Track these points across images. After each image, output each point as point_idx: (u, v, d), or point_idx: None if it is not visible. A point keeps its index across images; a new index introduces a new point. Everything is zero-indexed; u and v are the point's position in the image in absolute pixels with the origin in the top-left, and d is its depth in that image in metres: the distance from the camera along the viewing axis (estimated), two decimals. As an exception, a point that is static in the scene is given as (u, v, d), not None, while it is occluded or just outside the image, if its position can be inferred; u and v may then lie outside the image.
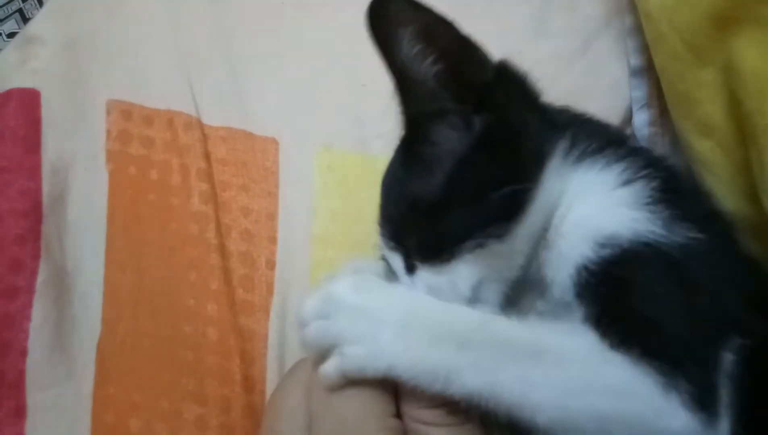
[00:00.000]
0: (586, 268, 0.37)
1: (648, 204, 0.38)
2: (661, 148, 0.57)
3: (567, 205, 0.40)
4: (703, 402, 0.32)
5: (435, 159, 0.41)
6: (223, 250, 0.55)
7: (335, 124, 0.60)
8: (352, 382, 0.35)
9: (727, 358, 0.33)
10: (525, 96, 0.43)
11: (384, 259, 0.44)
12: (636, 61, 0.59)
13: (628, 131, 0.60)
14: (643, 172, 0.40)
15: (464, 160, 0.40)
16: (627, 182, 0.39)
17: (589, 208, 0.40)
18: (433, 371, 0.33)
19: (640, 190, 0.39)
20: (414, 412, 0.35)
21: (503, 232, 0.38)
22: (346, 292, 0.36)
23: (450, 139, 0.41)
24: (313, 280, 0.55)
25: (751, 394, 0.33)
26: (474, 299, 0.39)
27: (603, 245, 0.36)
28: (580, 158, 0.41)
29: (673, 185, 0.40)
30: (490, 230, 0.38)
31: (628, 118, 0.59)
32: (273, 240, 0.56)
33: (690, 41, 0.47)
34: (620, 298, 0.35)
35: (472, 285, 0.39)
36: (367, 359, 0.34)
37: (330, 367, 0.35)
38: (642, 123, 0.58)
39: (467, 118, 0.40)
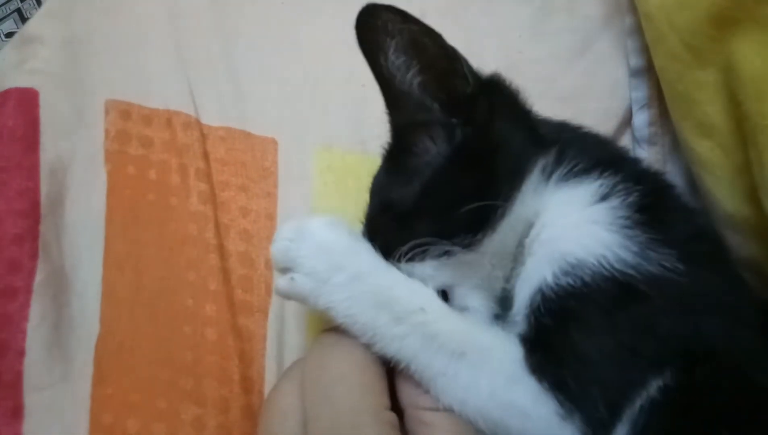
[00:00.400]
0: (542, 291, 0.38)
1: (624, 226, 0.38)
2: (660, 148, 0.57)
3: (541, 223, 0.41)
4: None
5: (415, 168, 0.43)
6: (221, 251, 0.54)
7: (334, 124, 0.59)
8: (344, 377, 0.37)
9: (656, 385, 0.34)
10: (512, 111, 0.44)
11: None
12: (636, 61, 0.59)
13: (627, 132, 0.60)
14: (621, 187, 0.40)
15: (440, 171, 0.42)
16: (603, 198, 0.40)
17: (561, 228, 0.40)
18: (363, 327, 0.37)
19: (616, 207, 0.39)
20: (414, 398, 0.37)
21: (470, 243, 0.40)
22: (319, 227, 0.40)
23: (430, 150, 0.43)
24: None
25: (664, 425, 0.34)
26: (461, 307, 0.41)
27: (566, 273, 0.37)
28: (565, 177, 0.42)
29: (658, 204, 0.40)
30: (456, 240, 0.40)
31: (628, 119, 0.59)
32: (272, 240, 0.56)
33: (690, 42, 0.47)
34: (558, 328, 0.37)
35: (436, 287, 0.40)
36: (312, 293, 0.38)
37: (281, 285, 0.40)
38: (642, 123, 0.58)
39: (451, 131, 0.42)
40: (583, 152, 0.43)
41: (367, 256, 0.40)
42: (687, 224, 0.42)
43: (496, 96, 0.43)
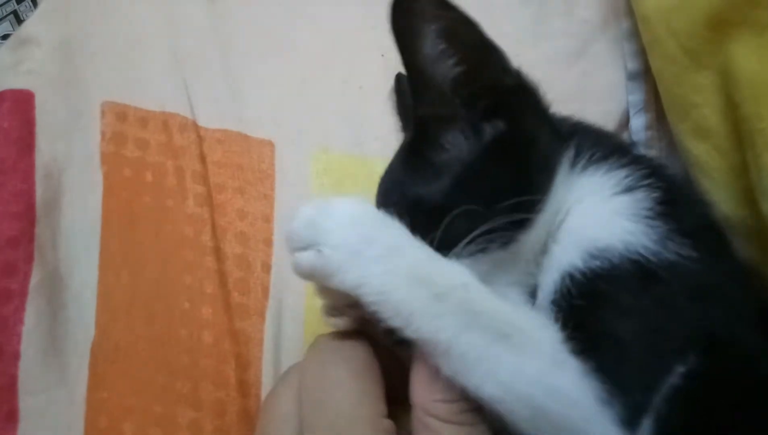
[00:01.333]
0: (571, 275, 0.37)
1: (647, 217, 0.38)
2: (657, 151, 0.57)
3: (566, 211, 0.40)
4: (632, 421, 0.33)
5: (443, 163, 0.40)
6: (218, 253, 0.54)
7: (331, 126, 0.59)
8: (341, 384, 0.35)
9: (677, 372, 0.33)
10: (538, 105, 0.43)
11: None
12: (633, 64, 0.59)
13: (624, 135, 0.60)
14: (646, 181, 0.40)
15: (473, 166, 0.40)
16: (628, 190, 0.39)
17: (586, 216, 0.40)
18: (398, 306, 0.33)
19: (640, 200, 0.39)
20: (429, 404, 0.34)
21: (507, 241, 0.38)
22: (346, 202, 0.36)
23: (460, 145, 0.41)
24: (309, 283, 0.55)
25: (685, 413, 0.33)
26: None
27: (594, 256, 0.37)
28: (585, 166, 0.41)
29: (673, 196, 0.40)
30: (493, 237, 0.37)
31: (625, 122, 0.59)
32: (269, 243, 0.56)
33: (687, 45, 0.47)
34: (593, 310, 0.36)
35: None
36: (341, 267, 0.34)
37: (304, 259, 0.35)
38: (639, 127, 0.58)
39: (476, 125, 0.40)
40: (597, 142, 0.43)
41: (401, 231, 0.36)
42: (699, 216, 0.42)
43: (527, 90, 0.42)
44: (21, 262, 0.50)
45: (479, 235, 0.37)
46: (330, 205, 0.36)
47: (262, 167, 0.58)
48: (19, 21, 0.80)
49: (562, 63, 0.62)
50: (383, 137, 0.57)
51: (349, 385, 0.35)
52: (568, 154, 0.41)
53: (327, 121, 0.60)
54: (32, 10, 0.78)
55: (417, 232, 0.38)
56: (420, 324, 0.33)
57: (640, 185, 0.39)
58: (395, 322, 0.33)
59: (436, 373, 0.34)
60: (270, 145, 0.58)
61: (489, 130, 0.40)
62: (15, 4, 0.80)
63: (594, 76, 0.61)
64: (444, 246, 0.38)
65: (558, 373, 0.34)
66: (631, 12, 0.57)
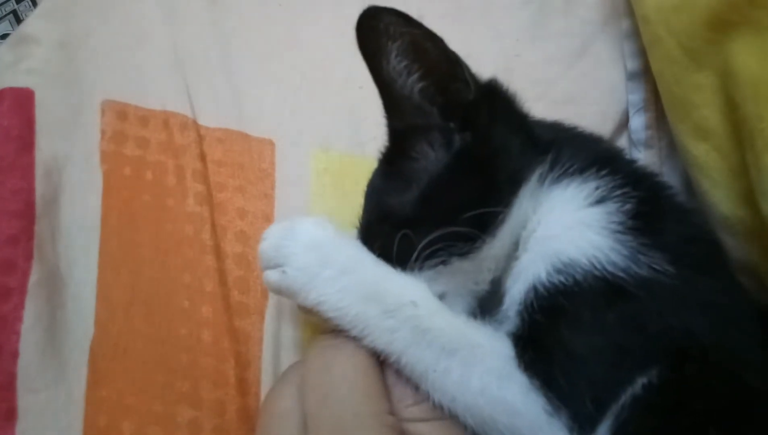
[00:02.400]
0: (535, 289, 0.38)
1: (617, 231, 0.38)
2: (657, 151, 0.57)
3: (536, 221, 0.41)
4: (583, 428, 0.34)
5: (413, 174, 0.42)
6: (218, 252, 0.54)
7: (332, 126, 0.59)
8: (346, 380, 0.36)
9: (640, 383, 0.34)
10: (510, 116, 0.44)
11: None
12: (633, 64, 0.59)
13: (624, 134, 0.60)
14: (619, 193, 0.40)
15: (439, 177, 0.41)
16: (598, 202, 0.40)
17: (555, 227, 0.40)
18: (353, 320, 0.37)
19: (611, 213, 0.39)
20: (404, 411, 0.37)
21: (468, 251, 0.40)
22: (309, 225, 0.41)
23: (428, 156, 0.43)
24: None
25: (644, 421, 0.34)
26: None
27: (558, 271, 0.38)
28: (559, 178, 0.42)
29: (651, 208, 0.40)
30: (454, 249, 0.40)
31: (625, 122, 0.60)
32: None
33: (687, 45, 0.47)
34: (549, 325, 0.37)
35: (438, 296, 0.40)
36: (303, 287, 0.39)
37: (271, 277, 0.40)
38: (638, 126, 0.58)
39: (449, 136, 0.42)
40: (578, 152, 0.43)
41: (356, 252, 0.40)
42: (681, 227, 0.42)
43: (495, 101, 0.43)
44: (20, 260, 0.50)
45: (438, 248, 0.39)
46: (294, 228, 0.40)
47: (263, 166, 0.58)
48: (19, 20, 0.80)
49: (563, 63, 0.62)
50: (383, 137, 0.57)
51: (354, 382, 0.36)
52: (542, 167, 0.42)
53: (327, 121, 0.60)
54: (31, 10, 0.78)
55: (382, 242, 0.41)
56: (373, 338, 0.37)
57: (612, 196, 0.40)
58: (353, 333, 0.37)
59: (402, 378, 0.37)
60: (270, 144, 0.58)
61: (458, 141, 0.42)
62: (14, 3, 0.81)
63: (594, 76, 0.61)
64: (400, 260, 0.40)
65: (504, 386, 0.36)
66: (631, 12, 0.57)
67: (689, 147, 0.49)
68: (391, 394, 0.37)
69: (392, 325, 0.37)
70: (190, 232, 0.54)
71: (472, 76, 0.42)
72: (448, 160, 0.42)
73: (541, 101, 0.60)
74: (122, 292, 0.53)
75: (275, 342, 0.52)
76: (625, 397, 0.34)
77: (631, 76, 0.59)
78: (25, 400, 0.48)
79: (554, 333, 0.37)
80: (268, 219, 0.56)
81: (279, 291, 0.40)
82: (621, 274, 0.37)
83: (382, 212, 0.44)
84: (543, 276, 0.38)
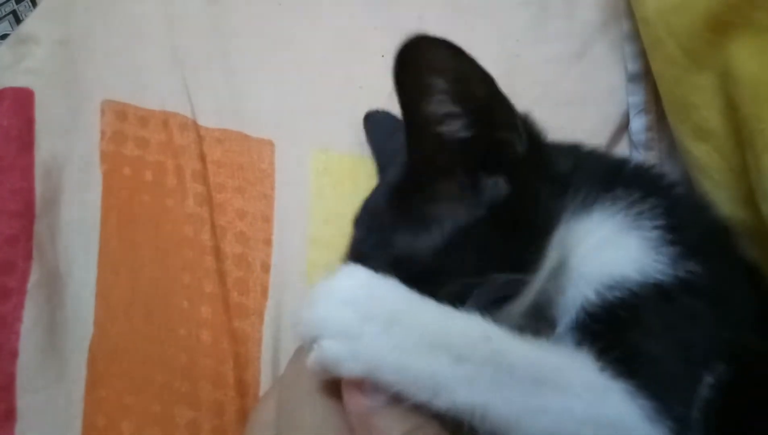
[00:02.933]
0: (585, 309, 0.35)
1: (655, 245, 0.37)
2: (658, 153, 0.57)
3: (577, 254, 0.38)
4: (681, 433, 0.32)
5: (434, 218, 0.37)
6: (217, 253, 0.54)
7: (331, 126, 0.59)
8: (311, 396, 0.34)
9: (707, 383, 0.33)
10: (541, 161, 0.39)
11: None
12: (633, 66, 0.59)
13: (624, 136, 0.60)
14: (646, 208, 0.38)
15: (469, 228, 0.37)
16: (632, 224, 0.38)
17: (597, 259, 0.38)
18: (420, 380, 0.30)
19: (646, 230, 0.38)
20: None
21: (501, 303, 0.35)
22: (335, 281, 0.33)
23: (456, 202, 0.38)
24: (308, 283, 0.55)
25: (724, 415, 0.33)
26: None
27: (610, 288, 0.35)
28: (584, 207, 0.39)
29: (675, 213, 0.39)
30: (484, 302, 0.34)
31: (625, 123, 0.60)
32: (268, 242, 0.56)
33: (687, 46, 0.47)
34: (622, 335, 0.35)
35: None
36: (348, 355, 0.31)
37: (310, 360, 0.32)
38: (639, 128, 0.58)
39: (475, 179, 0.38)
40: (594, 176, 0.41)
41: (400, 293, 0.33)
42: (700, 227, 0.41)
43: (539, 151, 0.39)
44: (20, 260, 0.50)
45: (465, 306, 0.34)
46: (320, 292, 0.33)
47: (262, 167, 0.58)
48: (18, 21, 0.80)
49: (563, 64, 0.62)
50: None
51: (318, 398, 0.34)
52: (572, 205, 0.38)
53: (327, 121, 0.59)
54: (31, 10, 0.78)
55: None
56: (449, 393, 0.30)
57: (642, 215, 0.38)
58: (421, 397, 0.30)
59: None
60: (270, 144, 0.58)
61: (489, 187, 0.37)
62: (14, 3, 0.81)
63: (594, 78, 0.61)
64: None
65: (605, 402, 0.32)
66: (631, 13, 0.57)
67: (690, 148, 0.49)
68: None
69: (470, 373, 0.31)
70: (190, 232, 0.54)
71: (525, 128, 0.38)
72: (480, 210, 0.37)
73: (542, 102, 0.59)
74: (122, 292, 0.53)
75: (274, 343, 0.52)
76: (697, 401, 0.32)
77: (632, 78, 0.59)
78: (24, 401, 0.48)
79: (625, 341, 0.34)
80: (268, 219, 0.56)
81: (324, 371, 0.32)
82: (665, 278, 0.35)
83: (395, 257, 0.38)
84: (592, 296, 0.35)
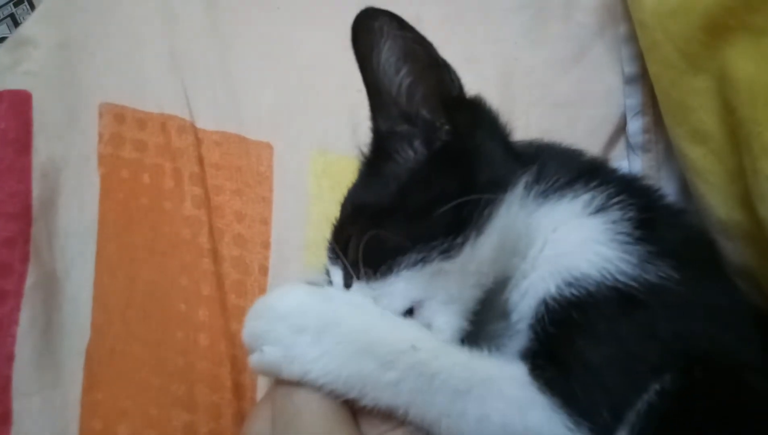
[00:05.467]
0: (546, 303, 0.37)
1: (624, 242, 0.38)
2: (654, 155, 0.57)
3: (543, 240, 0.40)
4: None
5: (393, 174, 0.42)
6: (215, 255, 0.54)
7: (330, 128, 0.59)
8: (308, 406, 0.35)
9: (653, 390, 0.34)
10: (493, 127, 0.44)
11: (327, 272, 0.44)
12: (630, 68, 0.59)
13: (621, 139, 0.60)
14: (616, 202, 0.40)
15: (418, 172, 0.41)
16: (599, 212, 0.40)
17: (563, 245, 0.40)
18: (348, 383, 0.34)
19: (615, 222, 0.39)
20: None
21: (449, 249, 0.37)
22: (275, 297, 0.37)
23: (409, 157, 0.42)
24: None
25: (660, 427, 0.34)
26: (425, 325, 0.38)
27: (570, 284, 0.37)
28: (547, 192, 0.41)
29: (649, 214, 0.40)
30: (433, 245, 0.37)
31: (622, 126, 0.60)
32: (266, 245, 0.56)
33: (684, 49, 0.47)
34: (565, 338, 0.36)
35: (408, 304, 0.38)
36: (283, 362, 0.35)
37: (253, 361, 0.36)
38: (636, 130, 0.58)
39: (432, 137, 0.42)
40: (563, 166, 0.43)
41: (333, 306, 0.37)
42: (678, 231, 0.42)
43: (479, 109, 0.44)
44: (17, 263, 0.50)
45: (418, 246, 0.37)
46: (264, 305, 0.37)
47: (261, 169, 0.58)
48: (16, 24, 0.80)
49: (560, 67, 0.62)
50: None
51: (314, 408, 0.35)
52: (526, 178, 0.41)
53: (325, 123, 0.60)
54: (29, 13, 0.78)
55: (355, 240, 0.39)
56: (374, 395, 0.34)
57: (610, 206, 0.40)
58: (351, 395, 0.34)
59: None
60: (268, 147, 0.58)
61: (439, 141, 0.42)
62: (12, 7, 0.81)
63: (591, 80, 0.61)
64: (373, 260, 0.38)
65: (527, 415, 0.34)
66: (628, 16, 0.57)
67: (686, 150, 0.49)
68: (362, 419, 0.35)
69: (394, 378, 0.34)
70: (188, 235, 0.54)
71: (458, 80, 0.43)
72: (428, 156, 0.42)
73: (539, 105, 0.60)
74: (119, 295, 0.53)
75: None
76: (640, 405, 0.34)
77: (629, 80, 0.59)
78: (20, 404, 0.48)
79: (569, 345, 0.36)
80: (266, 222, 0.56)
81: (263, 372, 0.37)
82: (632, 282, 0.36)
83: (356, 208, 0.43)
84: (553, 290, 0.37)
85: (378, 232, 0.39)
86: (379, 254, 0.38)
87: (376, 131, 0.44)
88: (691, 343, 0.36)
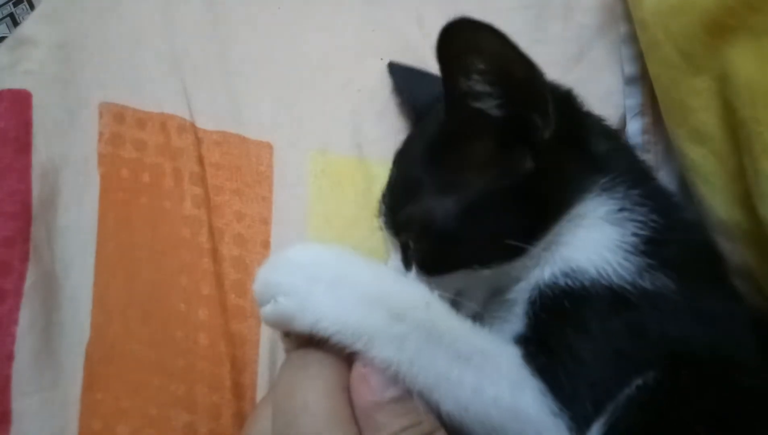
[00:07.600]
0: (539, 288, 0.38)
1: (627, 251, 0.39)
2: (654, 155, 0.57)
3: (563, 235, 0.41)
4: (581, 428, 0.34)
5: (461, 184, 0.41)
6: (215, 255, 0.54)
7: (330, 128, 0.59)
8: (308, 406, 0.35)
9: (635, 384, 0.35)
10: (574, 141, 0.42)
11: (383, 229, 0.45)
12: (630, 69, 0.59)
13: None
14: (639, 216, 0.40)
15: (490, 196, 0.40)
16: (617, 223, 0.40)
17: (570, 237, 0.40)
18: (356, 331, 0.34)
19: (626, 235, 0.39)
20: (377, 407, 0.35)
21: (496, 267, 0.40)
22: (292, 251, 0.38)
23: (483, 170, 0.41)
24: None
25: (636, 420, 0.35)
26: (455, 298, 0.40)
27: (565, 275, 0.38)
28: (598, 192, 0.42)
29: (664, 235, 0.40)
30: (489, 266, 0.39)
31: (622, 126, 0.60)
32: (266, 245, 0.55)
33: (684, 49, 0.47)
34: (556, 327, 0.37)
35: (453, 293, 0.40)
36: (296, 311, 0.35)
37: (266, 312, 0.37)
38: (635, 131, 0.58)
39: (504, 156, 0.40)
40: (618, 170, 0.42)
41: (348, 259, 0.38)
42: (686, 246, 0.42)
43: (567, 135, 0.41)
44: (16, 262, 0.50)
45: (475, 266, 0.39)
46: (278, 258, 0.38)
47: (260, 169, 0.58)
48: (16, 23, 0.80)
49: (560, 67, 0.61)
50: (381, 139, 0.57)
51: (315, 408, 0.34)
52: (591, 193, 0.41)
53: (325, 123, 0.60)
54: (29, 13, 0.78)
55: (419, 245, 0.41)
56: (379, 347, 0.34)
57: (631, 219, 0.40)
58: (358, 347, 0.34)
59: (380, 373, 0.34)
60: (268, 147, 0.58)
61: (515, 161, 0.40)
62: (11, 6, 0.81)
63: (591, 80, 0.61)
64: (442, 268, 0.40)
65: (517, 395, 0.35)
66: (628, 16, 0.57)
67: (686, 151, 0.49)
68: (360, 386, 0.35)
69: (402, 332, 0.34)
70: (187, 234, 0.54)
71: (553, 111, 0.39)
72: (506, 182, 0.40)
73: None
74: (118, 294, 0.52)
75: (272, 346, 0.52)
76: (620, 397, 0.35)
77: (629, 81, 0.59)
78: (20, 404, 0.48)
79: (560, 335, 0.37)
80: (266, 222, 0.56)
81: (276, 323, 0.37)
82: (626, 286, 0.37)
83: (423, 219, 0.41)
84: (547, 277, 0.38)
85: (438, 250, 0.41)
86: (434, 266, 0.41)
87: (450, 127, 0.42)
88: (679, 344, 0.36)
